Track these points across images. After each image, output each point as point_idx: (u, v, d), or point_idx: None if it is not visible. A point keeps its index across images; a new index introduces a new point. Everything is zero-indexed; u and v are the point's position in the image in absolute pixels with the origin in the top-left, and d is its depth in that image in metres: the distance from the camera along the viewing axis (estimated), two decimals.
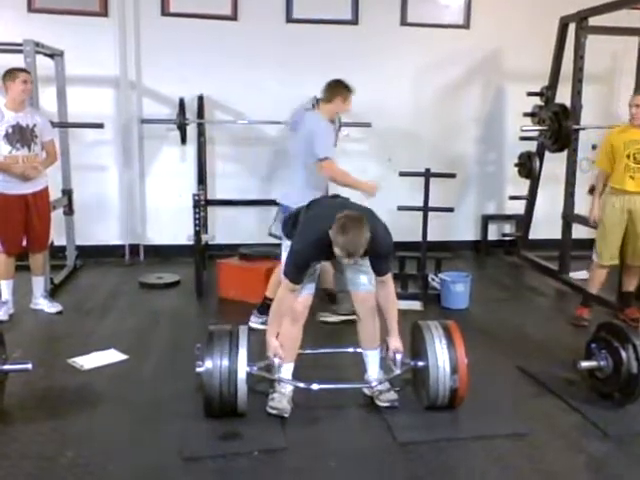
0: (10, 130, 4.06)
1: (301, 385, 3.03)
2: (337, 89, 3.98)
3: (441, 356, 2.97)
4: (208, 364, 2.86)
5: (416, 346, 3.18)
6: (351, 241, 2.72)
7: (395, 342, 3.08)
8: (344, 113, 4.59)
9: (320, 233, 2.84)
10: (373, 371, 3.20)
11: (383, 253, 2.98)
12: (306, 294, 3.09)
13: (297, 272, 2.96)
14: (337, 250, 2.75)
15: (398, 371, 3.08)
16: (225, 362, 2.86)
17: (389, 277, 3.05)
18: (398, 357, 3.06)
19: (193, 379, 3.03)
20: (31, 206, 4.24)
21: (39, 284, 4.49)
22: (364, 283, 3.13)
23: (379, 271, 3.02)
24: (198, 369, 2.89)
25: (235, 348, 2.90)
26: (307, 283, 3.07)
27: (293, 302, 3.03)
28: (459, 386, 2.96)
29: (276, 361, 3.00)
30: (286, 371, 3.08)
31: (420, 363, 3.07)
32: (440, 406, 3.03)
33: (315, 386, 3.02)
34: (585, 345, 3.25)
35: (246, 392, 2.87)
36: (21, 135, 4.12)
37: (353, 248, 2.73)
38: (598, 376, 3.16)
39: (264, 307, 3.96)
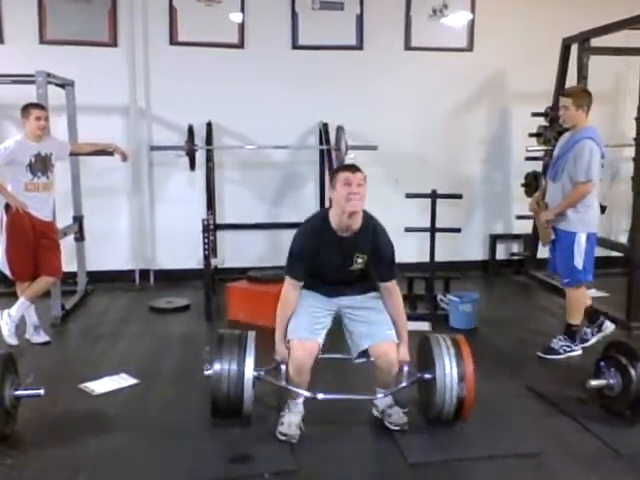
0: (33, 160, 4.21)
1: (307, 395, 2.99)
2: None
3: (448, 365, 2.94)
4: (216, 367, 2.89)
5: (424, 358, 3.14)
6: (351, 164, 3.07)
7: (403, 352, 3.02)
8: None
9: (313, 221, 3.07)
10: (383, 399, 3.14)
11: (387, 254, 3.01)
12: (312, 341, 2.96)
13: (295, 266, 3.01)
14: (341, 177, 2.91)
15: (405, 383, 3.04)
16: (233, 366, 2.89)
17: (394, 284, 3.06)
18: (405, 368, 3.03)
19: (204, 402, 3.04)
20: (37, 230, 4.27)
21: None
22: (384, 333, 2.99)
23: (384, 276, 3.04)
24: (206, 372, 2.93)
25: (243, 352, 2.93)
26: (316, 331, 2.99)
27: (299, 350, 2.92)
28: (466, 395, 2.91)
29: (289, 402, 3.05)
30: (295, 406, 3.06)
31: (427, 375, 3.02)
32: (446, 419, 2.99)
33: (320, 396, 2.99)
34: (594, 364, 3.25)
35: (252, 395, 2.90)
36: (42, 164, 4.26)
37: (354, 167, 2.96)
38: (608, 394, 3.15)
39: None
